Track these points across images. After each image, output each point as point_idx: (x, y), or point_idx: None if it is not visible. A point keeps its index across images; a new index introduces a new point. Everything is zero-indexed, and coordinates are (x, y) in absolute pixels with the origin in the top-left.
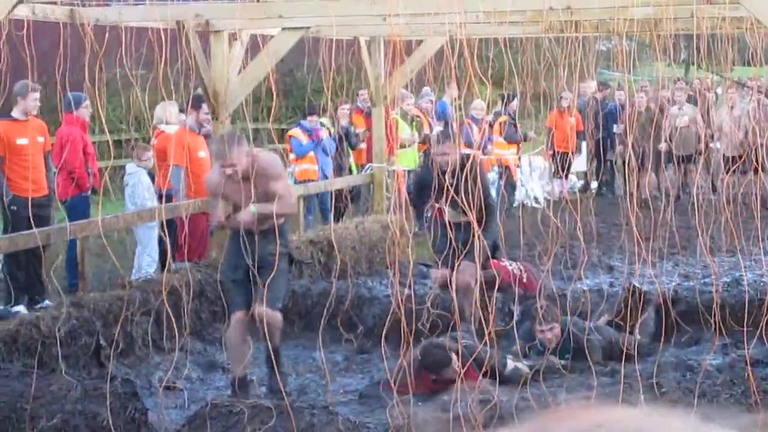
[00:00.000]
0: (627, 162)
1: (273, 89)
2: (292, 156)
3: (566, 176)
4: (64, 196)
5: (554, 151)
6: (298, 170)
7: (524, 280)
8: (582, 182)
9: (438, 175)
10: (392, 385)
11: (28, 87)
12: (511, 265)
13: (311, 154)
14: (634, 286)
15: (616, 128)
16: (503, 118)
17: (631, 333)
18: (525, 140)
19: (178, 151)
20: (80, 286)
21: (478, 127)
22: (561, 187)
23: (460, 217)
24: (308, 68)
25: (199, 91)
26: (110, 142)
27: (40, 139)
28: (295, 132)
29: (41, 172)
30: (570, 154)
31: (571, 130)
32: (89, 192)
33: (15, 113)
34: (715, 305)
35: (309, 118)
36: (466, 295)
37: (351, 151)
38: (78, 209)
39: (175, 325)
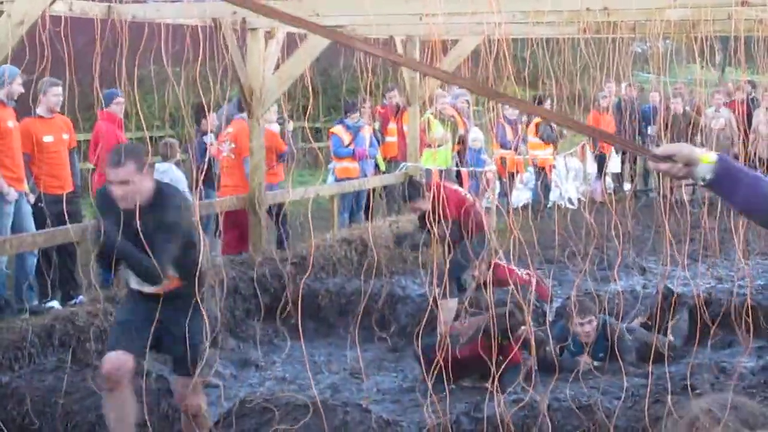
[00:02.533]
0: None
1: (309, 87)
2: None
3: (603, 177)
4: None
5: (596, 153)
6: (338, 167)
7: (534, 286)
8: (615, 184)
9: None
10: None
11: (49, 83)
12: (519, 270)
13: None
14: (667, 288)
15: (651, 129)
16: (538, 119)
17: (664, 335)
18: (562, 137)
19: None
20: (114, 281)
21: (511, 128)
22: (600, 189)
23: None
24: (343, 67)
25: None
26: (147, 139)
27: (65, 136)
28: (337, 130)
29: (66, 168)
30: (607, 155)
31: (609, 130)
32: None
33: (40, 111)
34: (748, 308)
35: (351, 115)
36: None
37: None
38: None
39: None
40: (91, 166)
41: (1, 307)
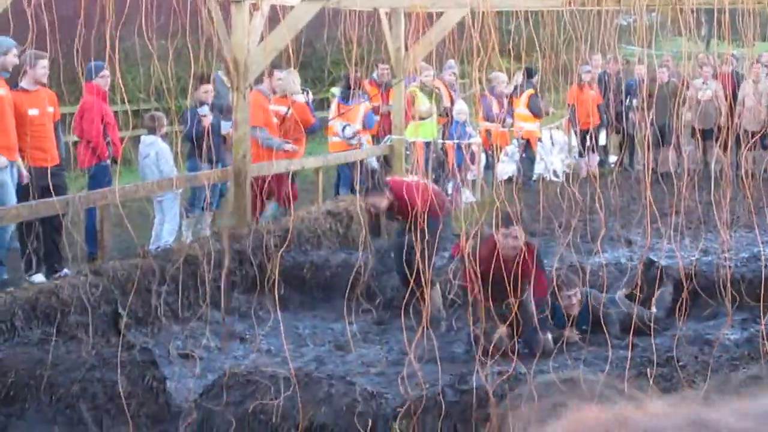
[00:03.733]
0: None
1: (292, 60)
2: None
3: (593, 151)
4: (84, 164)
5: (577, 129)
6: (332, 141)
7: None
8: (601, 157)
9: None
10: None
11: (36, 56)
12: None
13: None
14: (650, 259)
15: (634, 102)
16: (530, 91)
17: (648, 307)
18: (546, 114)
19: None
20: (99, 255)
21: (498, 101)
22: (585, 165)
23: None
24: (328, 39)
25: None
26: (129, 112)
27: (50, 109)
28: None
29: (52, 141)
30: (592, 129)
31: (593, 104)
32: (108, 161)
33: (24, 84)
34: (732, 280)
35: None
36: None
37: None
38: (97, 178)
39: (193, 295)
40: (75, 138)
41: None
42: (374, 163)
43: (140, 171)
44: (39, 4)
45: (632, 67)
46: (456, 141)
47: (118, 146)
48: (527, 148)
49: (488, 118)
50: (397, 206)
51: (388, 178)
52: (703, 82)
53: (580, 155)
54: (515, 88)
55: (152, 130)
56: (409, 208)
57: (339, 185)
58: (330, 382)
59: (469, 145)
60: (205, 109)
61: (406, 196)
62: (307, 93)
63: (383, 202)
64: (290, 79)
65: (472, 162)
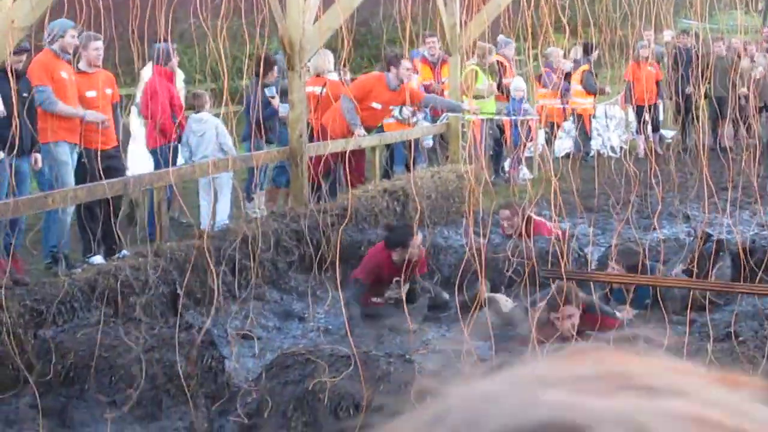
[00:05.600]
0: (702, 110)
1: (347, 39)
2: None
3: (654, 130)
4: (152, 145)
5: (635, 105)
6: (384, 123)
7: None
8: (660, 133)
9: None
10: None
11: (89, 38)
12: (548, 222)
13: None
14: (707, 234)
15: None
16: (584, 67)
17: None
18: (602, 93)
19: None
20: (157, 235)
21: (556, 77)
22: (642, 143)
23: None
24: (383, 18)
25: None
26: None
27: (108, 91)
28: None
29: (111, 123)
30: (651, 106)
31: (649, 81)
32: (177, 142)
33: (81, 66)
34: None
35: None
36: None
37: None
38: (165, 159)
39: (251, 274)
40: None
41: (56, 260)
42: (429, 141)
43: (193, 149)
44: None
45: (686, 40)
46: (513, 117)
47: (184, 127)
48: (581, 124)
49: (547, 93)
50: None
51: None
52: (751, 60)
53: (638, 132)
54: (573, 62)
55: (200, 108)
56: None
57: (392, 163)
58: (389, 360)
59: (526, 121)
60: (272, 91)
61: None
62: (342, 72)
63: (406, 254)
64: (324, 58)
65: (529, 139)
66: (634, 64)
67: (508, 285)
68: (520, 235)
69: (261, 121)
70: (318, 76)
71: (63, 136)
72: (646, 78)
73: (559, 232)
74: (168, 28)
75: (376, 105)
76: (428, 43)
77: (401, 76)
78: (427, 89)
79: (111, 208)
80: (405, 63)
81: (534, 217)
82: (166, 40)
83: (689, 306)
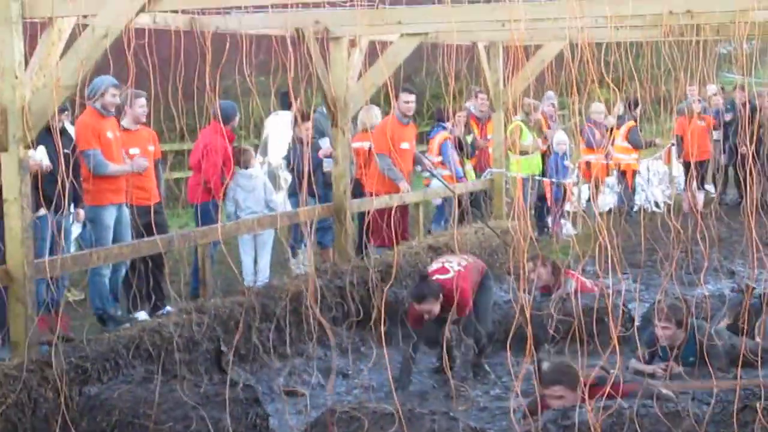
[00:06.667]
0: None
1: (391, 95)
2: (436, 159)
3: (700, 187)
4: (193, 200)
5: (686, 161)
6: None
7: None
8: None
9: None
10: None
11: (134, 95)
12: (582, 277)
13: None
14: (751, 287)
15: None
16: (631, 123)
17: (752, 337)
18: (653, 146)
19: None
20: (201, 292)
21: (598, 131)
22: (688, 199)
23: None
24: (426, 74)
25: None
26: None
27: (151, 148)
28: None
29: (153, 180)
30: (695, 162)
31: (700, 137)
32: (220, 200)
33: (125, 123)
34: None
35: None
36: None
37: (467, 159)
38: (207, 215)
39: (294, 331)
40: (177, 176)
41: (104, 319)
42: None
43: (240, 204)
44: (139, 46)
45: (729, 95)
46: (552, 180)
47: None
48: (625, 179)
49: (590, 148)
50: (446, 303)
51: (435, 277)
52: None
53: (685, 188)
54: (617, 118)
55: (247, 163)
56: (465, 304)
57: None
58: (432, 417)
59: (566, 183)
60: (327, 143)
61: (457, 293)
62: None
63: (436, 306)
64: (371, 113)
65: (567, 198)
66: (683, 119)
67: (551, 341)
68: (548, 287)
69: (310, 175)
70: (365, 131)
71: (109, 199)
72: (697, 133)
73: (604, 290)
74: (214, 84)
75: (404, 145)
76: (479, 99)
77: (402, 110)
78: (474, 145)
79: (155, 264)
80: (403, 96)
81: (562, 267)
82: (203, 98)
83: (739, 364)
